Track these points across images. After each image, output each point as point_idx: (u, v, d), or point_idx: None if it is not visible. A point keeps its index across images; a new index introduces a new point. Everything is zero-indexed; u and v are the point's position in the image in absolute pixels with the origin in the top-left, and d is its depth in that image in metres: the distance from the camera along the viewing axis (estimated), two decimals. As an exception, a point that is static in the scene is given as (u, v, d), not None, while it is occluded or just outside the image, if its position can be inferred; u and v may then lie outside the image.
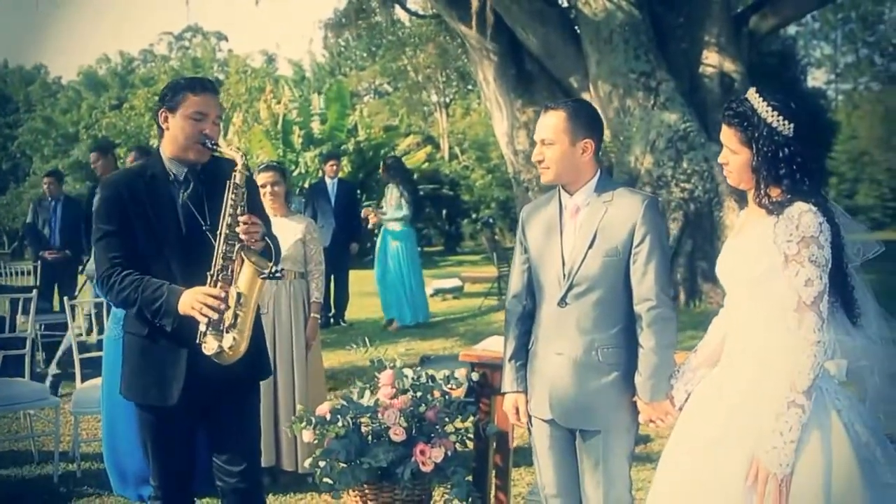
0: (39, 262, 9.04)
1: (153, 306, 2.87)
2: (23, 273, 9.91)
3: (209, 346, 2.85)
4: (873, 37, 35.02)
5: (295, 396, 4.78)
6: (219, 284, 2.86)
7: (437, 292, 13.60)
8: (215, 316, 2.81)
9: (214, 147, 2.96)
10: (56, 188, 9.33)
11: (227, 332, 2.84)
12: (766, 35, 11.63)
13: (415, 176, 22.07)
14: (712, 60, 10.49)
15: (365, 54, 35.40)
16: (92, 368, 5.41)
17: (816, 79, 37.57)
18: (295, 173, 17.84)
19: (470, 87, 31.08)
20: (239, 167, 2.92)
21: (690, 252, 9.85)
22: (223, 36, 48.28)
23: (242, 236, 2.86)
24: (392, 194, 10.23)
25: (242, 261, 2.85)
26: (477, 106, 30.85)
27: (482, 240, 23.03)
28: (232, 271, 2.87)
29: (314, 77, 35.59)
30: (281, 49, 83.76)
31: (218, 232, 2.89)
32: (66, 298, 5.63)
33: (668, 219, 9.89)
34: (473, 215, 25.51)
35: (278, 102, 20.60)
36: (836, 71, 38.46)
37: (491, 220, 7.48)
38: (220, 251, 2.87)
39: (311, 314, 4.95)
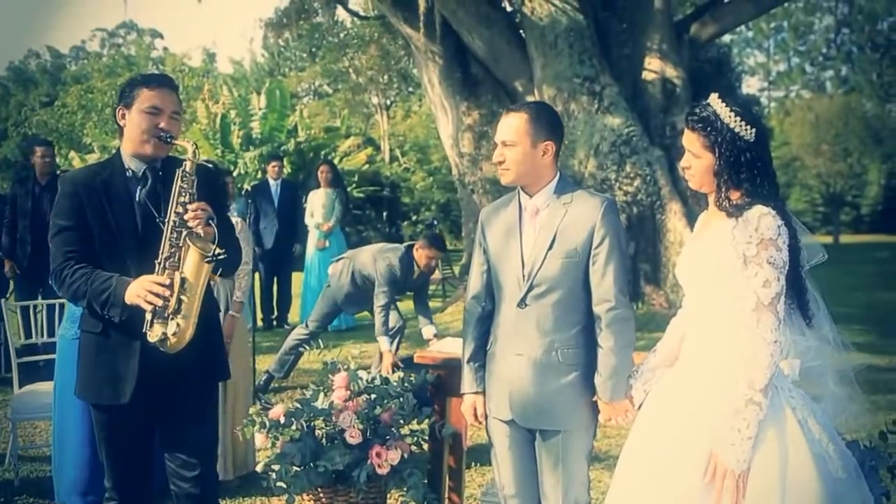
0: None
1: (101, 297, 2.84)
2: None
3: (154, 334, 2.82)
4: (804, 46, 36.05)
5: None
6: (166, 272, 2.83)
7: (381, 295, 13.51)
8: (160, 303, 2.78)
9: (170, 140, 2.93)
10: None
11: (172, 318, 2.81)
12: (705, 42, 11.88)
13: (355, 178, 22.02)
14: (655, 66, 10.66)
15: (305, 55, 35.11)
16: (23, 373, 5.26)
17: (750, 86, 38.61)
18: (234, 174, 17.59)
19: (411, 89, 31.09)
20: (189, 156, 2.91)
21: (633, 255, 9.99)
22: (158, 33, 47.33)
23: (190, 223, 2.83)
24: (322, 199, 10.24)
25: (189, 247, 2.82)
26: (418, 108, 30.89)
27: (423, 242, 23.03)
28: (179, 258, 2.84)
29: (253, 77, 35.18)
30: (219, 48, 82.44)
31: (166, 220, 2.87)
32: (1, 301, 5.44)
33: (611, 222, 10.02)
34: (413, 217, 25.51)
35: (216, 102, 20.31)
36: (769, 79, 39.52)
37: (434, 222, 7.47)
38: (167, 239, 2.85)
39: (231, 312, 4.88)
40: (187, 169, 2.89)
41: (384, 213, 26.54)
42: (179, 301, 2.80)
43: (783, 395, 2.55)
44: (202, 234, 2.84)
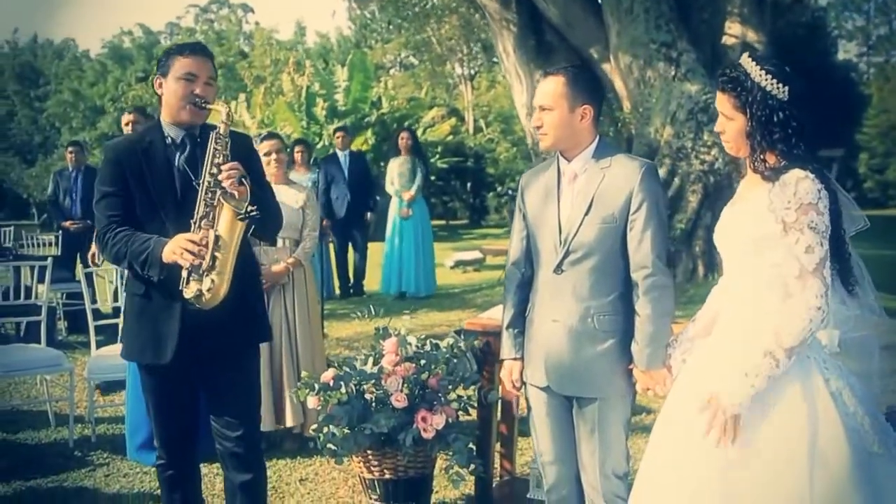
0: (61, 232, 9.14)
1: (140, 258, 2.93)
2: (48, 244, 10.05)
3: (189, 290, 2.90)
4: (907, 8, 34.25)
5: (298, 361, 4.90)
6: (201, 230, 2.90)
7: (459, 264, 13.62)
8: (195, 260, 2.85)
9: (205, 106, 2.99)
10: (80, 158, 9.40)
11: (206, 274, 2.88)
12: (790, 5, 11.41)
13: (439, 149, 22.08)
14: (735, 31, 10.31)
15: (390, 26, 35.21)
16: (105, 335, 5.54)
17: (848, 51, 36.89)
18: (319, 146, 17.85)
19: (494, 59, 30.75)
20: (223, 118, 2.95)
21: (710, 225, 9.74)
22: (249, 8, 48.20)
23: (224, 183, 2.88)
24: (402, 167, 10.27)
25: (223, 205, 2.88)
26: (501, 79, 30.56)
27: (506, 213, 22.97)
28: (213, 217, 2.90)
29: (339, 49, 35.50)
30: (306, 21, 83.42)
31: (201, 181, 2.93)
32: (80, 266, 5.69)
33: (688, 191, 9.78)
34: (498, 188, 25.44)
35: (302, 75, 20.57)
36: (869, 43, 37.69)
37: (511, 192, 7.31)
38: (202, 199, 2.92)
39: (287, 260, 5.00)
40: (221, 131, 2.94)
41: (468, 184, 26.59)
42: (214, 258, 2.87)
43: (817, 366, 2.45)
44: (236, 194, 2.89)
